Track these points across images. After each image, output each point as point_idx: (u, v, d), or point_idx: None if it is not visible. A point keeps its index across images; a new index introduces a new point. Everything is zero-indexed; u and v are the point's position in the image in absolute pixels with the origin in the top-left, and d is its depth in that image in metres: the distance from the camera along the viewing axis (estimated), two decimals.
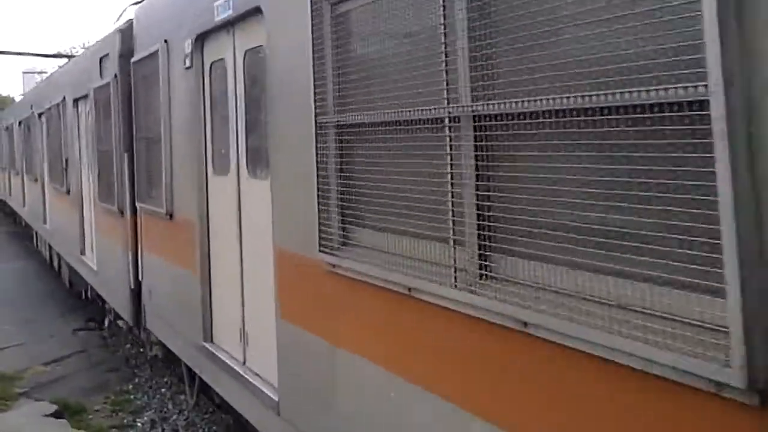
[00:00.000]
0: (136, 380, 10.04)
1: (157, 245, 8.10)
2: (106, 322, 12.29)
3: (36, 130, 17.53)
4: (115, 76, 9.08)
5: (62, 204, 13.97)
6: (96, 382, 10.12)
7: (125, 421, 8.66)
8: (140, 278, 8.89)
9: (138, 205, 8.64)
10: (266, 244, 5.29)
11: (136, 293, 9.03)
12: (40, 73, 47.63)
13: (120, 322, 11.43)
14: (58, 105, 13.62)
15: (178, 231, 7.24)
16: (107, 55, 9.62)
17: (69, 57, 24.06)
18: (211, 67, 6.52)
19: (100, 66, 10.04)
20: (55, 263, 17.41)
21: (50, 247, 17.74)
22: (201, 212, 6.63)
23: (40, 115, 16.80)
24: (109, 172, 9.70)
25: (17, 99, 43.98)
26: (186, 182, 7.01)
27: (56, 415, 8.44)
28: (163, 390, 9.53)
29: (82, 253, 12.40)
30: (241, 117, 5.84)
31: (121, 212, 9.20)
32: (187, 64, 6.83)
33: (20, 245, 23.59)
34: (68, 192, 13.11)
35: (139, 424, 8.53)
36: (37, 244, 20.93)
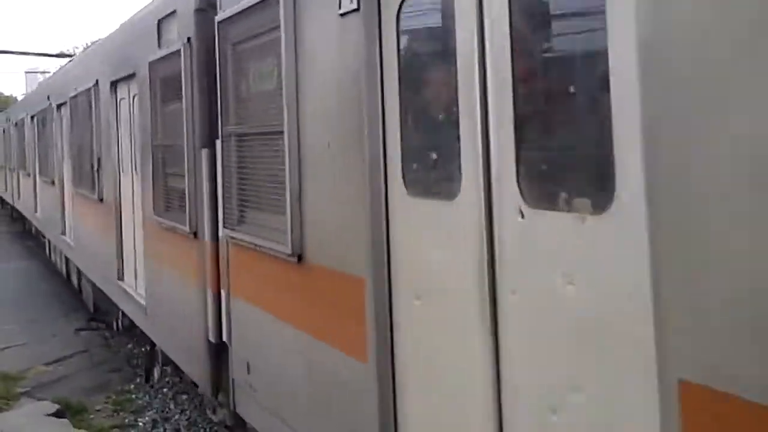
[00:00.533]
0: (138, 380, 9.76)
1: (267, 296, 5.29)
2: (156, 374, 9.47)
3: (54, 124, 14.91)
4: (188, 41, 6.32)
5: (90, 213, 11.34)
6: (98, 381, 9.99)
7: (127, 420, 8.53)
8: (224, 335, 6.13)
9: (226, 233, 5.85)
10: (609, 360, 2.53)
11: (216, 350, 6.32)
12: (42, 72, 47.27)
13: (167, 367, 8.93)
14: (88, 91, 10.88)
15: (320, 285, 4.45)
16: (173, 14, 6.83)
17: (72, 57, 21.98)
18: (400, 8, 3.74)
19: (159, 31, 7.27)
20: (74, 278, 14.97)
21: (67, 260, 15.10)
22: (377, 261, 3.83)
23: (59, 106, 14.15)
24: (173, 178, 6.98)
25: (20, 99, 42.01)
26: (337, 206, 4.23)
27: (58, 414, 8.35)
28: (164, 390, 9.22)
29: (120, 278, 9.68)
30: (499, 93, 3.05)
31: (195, 235, 6.47)
32: (348, 6, 4.04)
33: (23, 245, 22.73)
34: (101, 200, 10.37)
35: (140, 424, 8.38)
36: (50, 255, 18.49)
